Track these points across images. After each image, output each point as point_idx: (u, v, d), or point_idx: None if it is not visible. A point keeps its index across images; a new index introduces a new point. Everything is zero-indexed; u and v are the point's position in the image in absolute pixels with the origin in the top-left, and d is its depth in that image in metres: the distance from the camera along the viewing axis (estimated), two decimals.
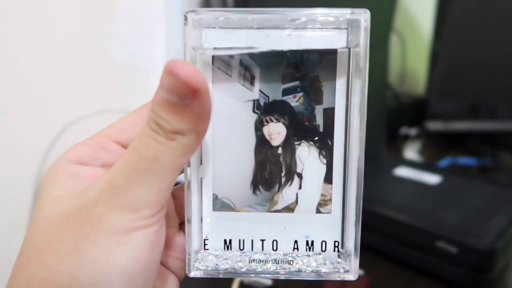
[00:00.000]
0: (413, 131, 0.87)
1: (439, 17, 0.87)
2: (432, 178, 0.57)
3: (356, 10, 0.18)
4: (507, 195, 0.52)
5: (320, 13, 0.18)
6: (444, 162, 0.80)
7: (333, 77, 0.19)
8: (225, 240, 0.21)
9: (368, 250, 0.48)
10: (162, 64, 0.55)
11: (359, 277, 0.42)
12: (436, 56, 0.89)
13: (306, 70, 0.19)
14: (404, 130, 0.88)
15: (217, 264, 0.21)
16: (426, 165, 0.63)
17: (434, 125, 0.90)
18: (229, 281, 0.41)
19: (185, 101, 0.16)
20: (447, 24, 0.86)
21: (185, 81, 0.15)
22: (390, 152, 0.79)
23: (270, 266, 0.20)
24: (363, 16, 0.18)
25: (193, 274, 0.21)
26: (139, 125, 0.19)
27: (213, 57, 0.19)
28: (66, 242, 0.17)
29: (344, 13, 0.18)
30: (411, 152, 0.84)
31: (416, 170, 0.60)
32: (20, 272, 0.18)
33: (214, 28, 0.18)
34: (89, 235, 0.17)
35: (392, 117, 0.81)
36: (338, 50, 0.19)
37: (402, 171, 0.60)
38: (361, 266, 0.44)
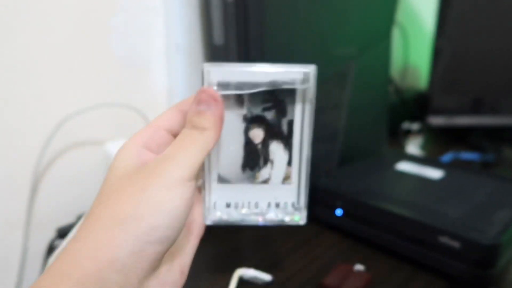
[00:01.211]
0: (415, 126, 0.87)
1: (441, 11, 0.86)
2: (435, 173, 0.56)
3: (308, 67, 0.30)
4: (510, 189, 0.51)
5: (285, 70, 0.30)
6: (447, 157, 0.80)
7: (293, 101, 0.31)
8: (226, 203, 0.32)
9: (370, 245, 0.48)
10: (161, 57, 0.54)
11: (361, 272, 0.41)
12: (438, 51, 0.88)
13: (277, 96, 0.30)
14: (406, 125, 0.87)
15: (221, 217, 0.32)
16: (428, 160, 0.63)
17: (436, 120, 0.89)
18: (228, 276, 0.41)
19: (209, 107, 0.27)
20: (450, 18, 0.85)
21: (209, 94, 0.27)
22: (392, 147, 0.78)
23: (253, 217, 0.32)
24: (312, 70, 0.30)
25: (208, 222, 0.32)
26: (177, 116, 0.29)
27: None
28: (136, 185, 0.24)
29: (300, 69, 0.30)
30: (413, 147, 0.84)
31: (418, 164, 0.59)
32: (99, 205, 0.25)
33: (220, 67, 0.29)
34: (154, 182, 0.24)
35: (394, 113, 0.81)
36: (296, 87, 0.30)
37: (404, 166, 0.59)
38: (363, 261, 0.44)
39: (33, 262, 0.54)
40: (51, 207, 0.55)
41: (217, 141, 0.28)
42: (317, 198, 0.53)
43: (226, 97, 0.30)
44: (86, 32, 0.54)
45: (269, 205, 0.33)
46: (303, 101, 0.31)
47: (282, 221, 0.33)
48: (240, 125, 0.31)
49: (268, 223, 0.32)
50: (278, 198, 0.33)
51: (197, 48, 0.63)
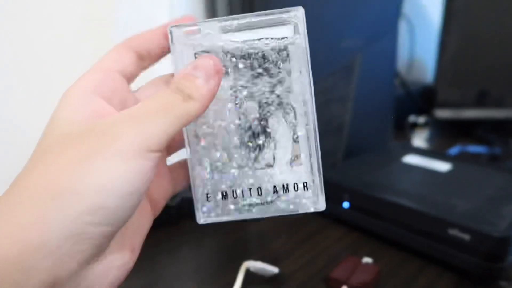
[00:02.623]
0: (421, 120, 0.86)
1: (448, 4, 0.85)
2: (442, 166, 0.56)
3: (295, 10, 0.26)
4: None
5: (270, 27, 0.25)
6: (454, 150, 0.79)
7: (287, 60, 0.25)
8: (222, 194, 0.26)
9: (378, 239, 0.47)
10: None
11: (370, 265, 0.41)
12: (445, 44, 0.87)
13: (268, 58, 0.25)
14: (412, 118, 0.86)
15: (217, 214, 0.26)
16: (435, 153, 0.62)
17: (442, 113, 0.88)
18: (236, 269, 0.40)
19: (207, 77, 0.22)
20: (456, 11, 0.84)
21: (214, 64, 0.22)
22: (398, 141, 0.77)
23: (257, 209, 0.26)
24: (300, 14, 0.25)
25: (201, 221, 0.26)
26: (128, 55, 0.25)
27: None
28: (80, 149, 0.19)
29: (287, 19, 0.25)
30: (419, 140, 0.83)
31: (425, 157, 0.59)
32: (27, 172, 0.20)
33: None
34: (106, 147, 0.19)
35: (400, 106, 0.80)
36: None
37: (411, 159, 0.58)
38: (371, 254, 0.43)
39: None
40: None
41: (200, 114, 0.22)
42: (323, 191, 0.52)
43: None
44: (90, 25, 0.54)
45: (275, 191, 0.26)
46: (298, 58, 0.25)
47: (295, 209, 0.26)
48: (229, 100, 0.25)
49: (277, 213, 0.26)
50: (287, 182, 0.26)
51: None
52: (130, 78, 0.25)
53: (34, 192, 0.18)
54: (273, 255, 0.45)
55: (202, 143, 0.26)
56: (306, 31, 0.25)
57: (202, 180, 0.26)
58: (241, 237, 0.48)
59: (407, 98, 0.91)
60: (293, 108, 0.26)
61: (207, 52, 0.25)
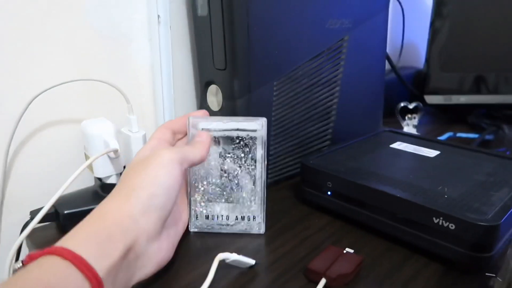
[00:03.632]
0: (412, 105, 0.83)
1: None
2: (431, 152, 0.54)
3: (262, 119, 0.43)
4: (510, 168, 0.49)
5: (247, 120, 0.44)
6: (445, 137, 0.77)
7: (254, 143, 0.44)
8: (206, 215, 0.45)
9: (362, 227, 0.45)
10: (142, 29, 0.51)
11: (351, 255, 0.39)
12: (436, 29, 0.85)
13: (243, 140, 0.44)
14: (403, 104, 0.84)
15: (202, 226, 0.46)
16: (425, 139, 0.60)
17: (434, 99, 0.86)
18: (210, 260, 0.38)
19: (204, 140, 0.42)
20: None
21: (206, 133, 0.43)
22: (389, 127, 0.75)
23: (226, 227, 0.46)
24: (265, 121, 0.43)
25: (192, 229, 0.46)
26: (168, 131, 0.43)
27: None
28: (142, 165, 0.35)
29: (257, 121, 0.43)
30: (410, 127, 0.81)
31: (414, 144, 0.57)
32: (122, 179, 0.35)
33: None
34: (154, 161, 0.35)
35: (391, 91, 0.77)
36: (257, 132, 0.44)
37: (400, 145, 0.56)
38: (354, 243, 0.41)
39: (7, 245, 0.52)
40: (24, 188, 0.52)
41: (202, 160, 0.41)
42: (306, 178, 0.50)
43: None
44: (62, 2, 0.51)
45: (236, 218, 0.45)
46: (261, 143, 0.43)
47: (248, 230, 0.45)
48: (218, 160, 0.44)
49: (237, 231, 0.45)
50: (245, 213, 0.45)
51: (180, 20, 0.59)
52: (171, 144, 0.43)
53: (124, 189, 0.34)
54: (252, 246, 0.43)
55: (199, 186, 0.45)
56: (266, 127, 0.43)
57: (195, 208, 0.45)
58: None
59: (398, 83, 0.88)
60: (255, 170, 0.44)
61: (206, 129, 0.43)
